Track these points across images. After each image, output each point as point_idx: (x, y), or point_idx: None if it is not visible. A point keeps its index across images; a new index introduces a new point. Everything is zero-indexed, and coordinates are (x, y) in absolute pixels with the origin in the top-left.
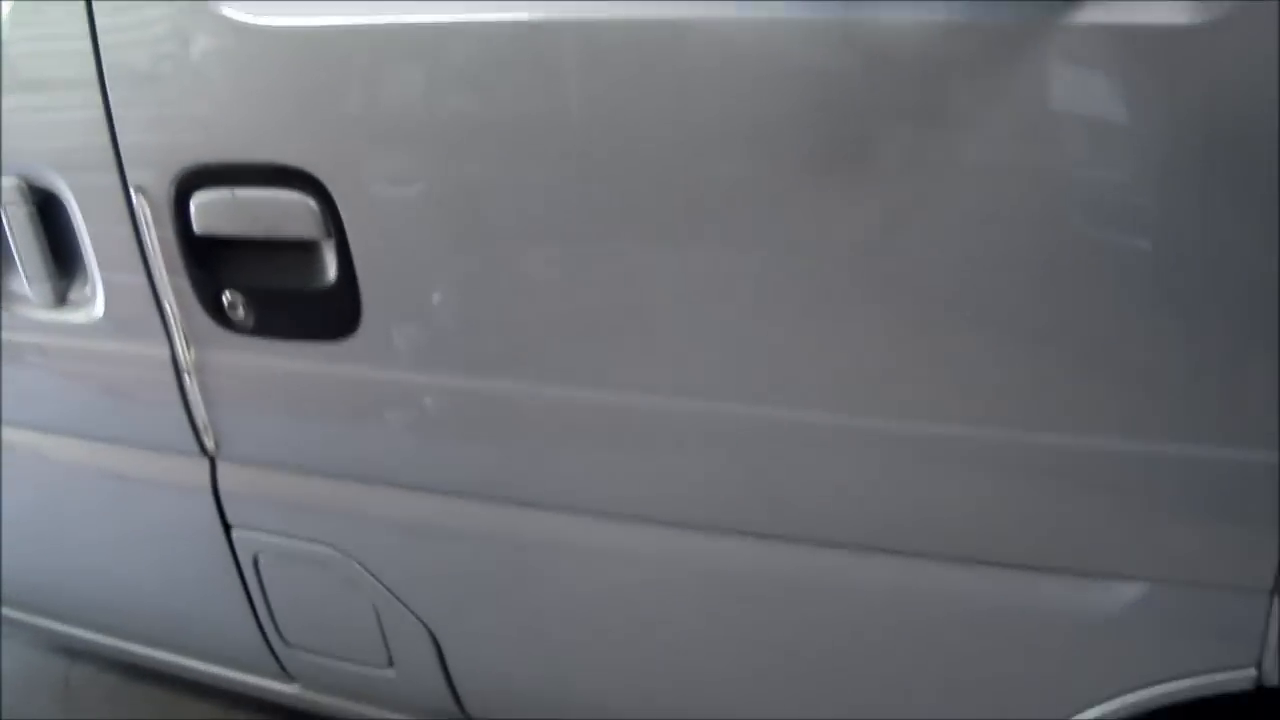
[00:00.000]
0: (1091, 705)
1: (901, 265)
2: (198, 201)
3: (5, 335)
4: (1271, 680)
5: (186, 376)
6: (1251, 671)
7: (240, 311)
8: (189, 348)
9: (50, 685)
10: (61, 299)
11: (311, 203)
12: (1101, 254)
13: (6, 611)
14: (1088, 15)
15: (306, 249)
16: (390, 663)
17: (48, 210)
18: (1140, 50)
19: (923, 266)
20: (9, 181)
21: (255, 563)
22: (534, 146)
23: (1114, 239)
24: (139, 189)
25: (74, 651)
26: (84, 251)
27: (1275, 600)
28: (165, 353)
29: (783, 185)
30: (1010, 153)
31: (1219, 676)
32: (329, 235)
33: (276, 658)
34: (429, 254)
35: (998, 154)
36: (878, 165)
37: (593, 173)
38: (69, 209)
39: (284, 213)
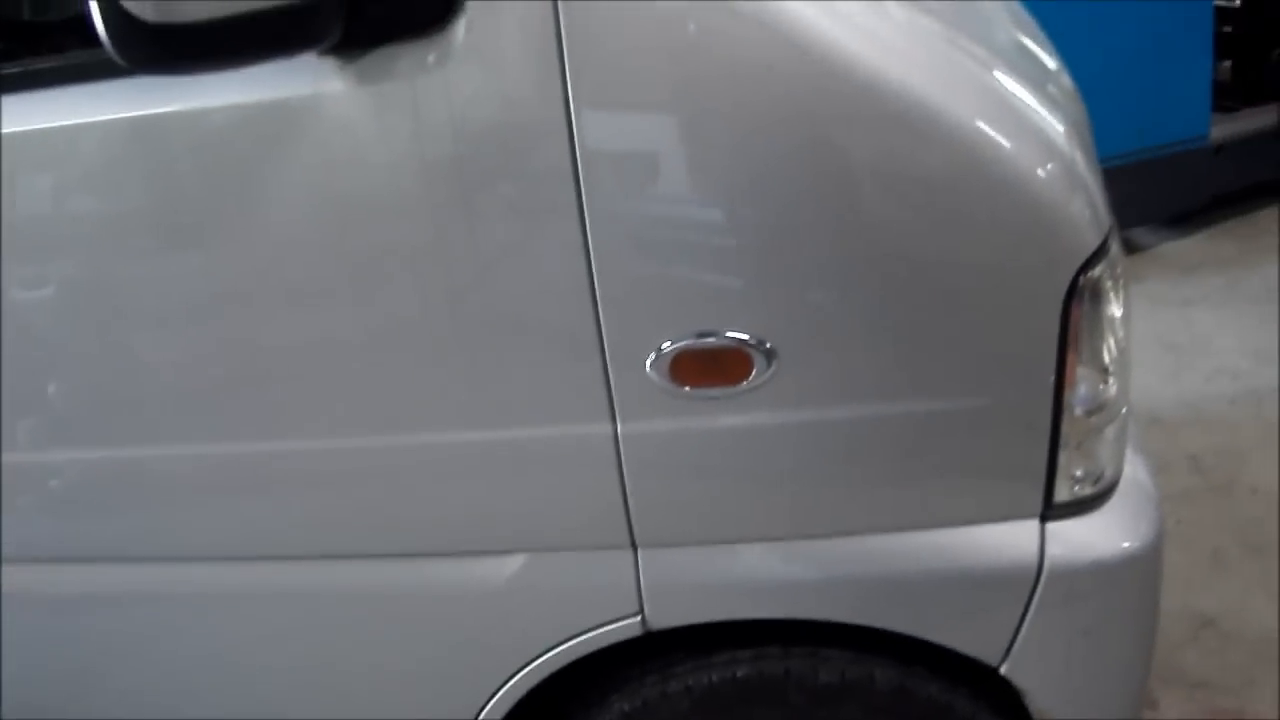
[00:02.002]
0: (521, 668)
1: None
2: None
3: None
4: (656, 624)
5: None
6: (637, 618)
7: None
8: None
9: None
10: None
11: None
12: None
13: None
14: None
15: None
16: None
17: None
18: None
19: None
20: None
21: None
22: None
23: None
24: None
25: None
26: None
27: (638, 554)
28: None
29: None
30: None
31: (611, 628)
32: None
33: None
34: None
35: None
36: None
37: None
38: None
39: None
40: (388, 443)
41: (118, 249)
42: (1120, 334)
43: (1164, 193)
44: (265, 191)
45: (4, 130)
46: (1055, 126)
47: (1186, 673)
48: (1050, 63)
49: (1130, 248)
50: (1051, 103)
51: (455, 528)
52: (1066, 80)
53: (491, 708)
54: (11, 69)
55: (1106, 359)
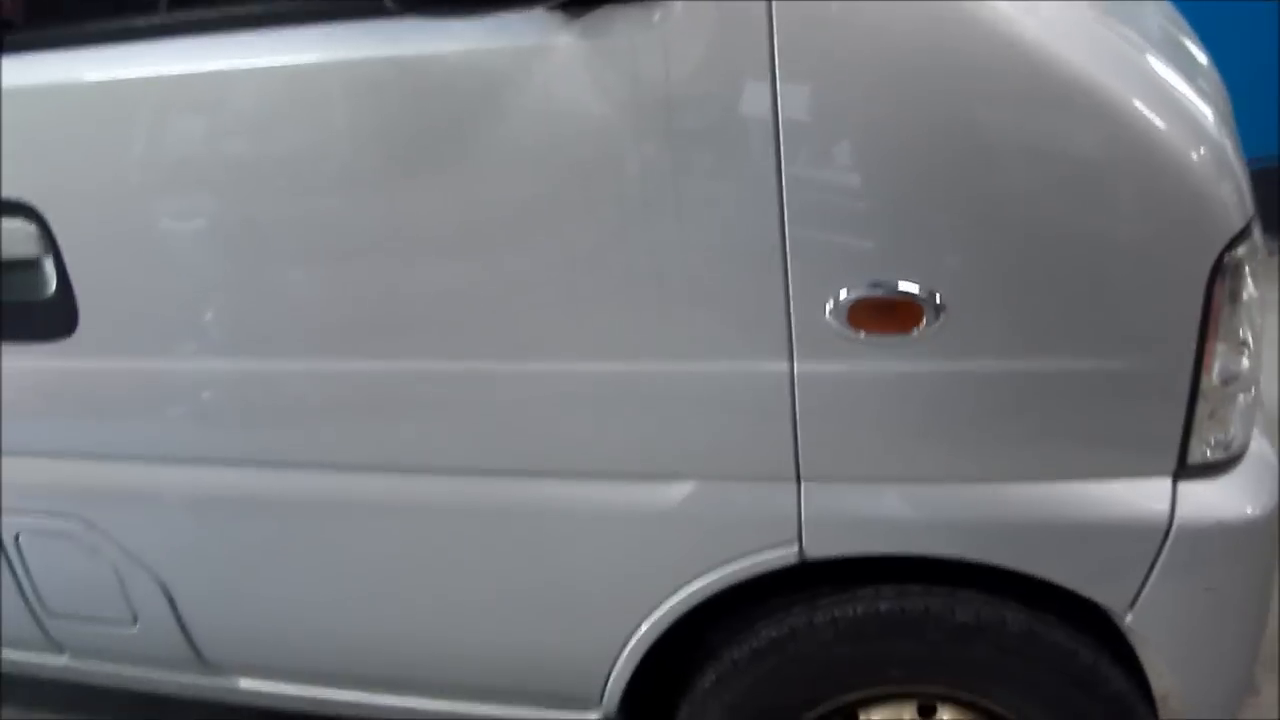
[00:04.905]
0: (674, 591)
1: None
2: None
3: None
4: (812, 554)
5: None
6: (795, 548)
7: None
8: None
9: None
10: None
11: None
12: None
13: None
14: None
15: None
16: (135, 620)
17: None
18: None
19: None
20: None
21: (16, 542)
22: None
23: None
24: None
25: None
26: None
27: (801, 486)
28: None
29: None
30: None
31: (768, 555)
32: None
33: (44, 629)
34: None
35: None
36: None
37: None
38: None
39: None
40: (573, 369)
41: (334, 180)
42: (1256, 313)
43: None
44: (491, 130)
45: (267, 63)
46: (1207, 114)
47: None
48: (1201, 57)
49: None
50: (1202, 93)
51: (630, 452)
52: (1215, 75)
53: (648, 629)
54: (267, 6)
55: (1243, 334)
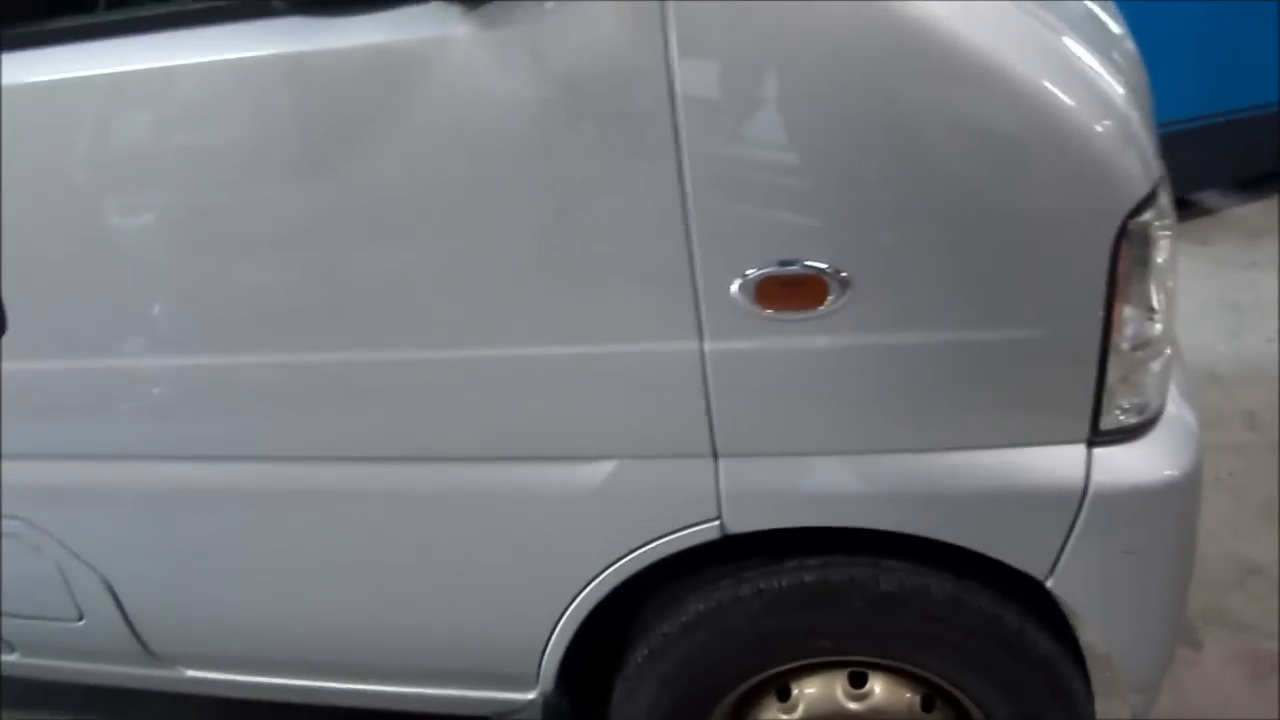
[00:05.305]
0: (602, 570)
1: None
2: None
3: None
4: (733, 528)
5: None
6: (716, 523)
7: None
8: None
9: None
10: None
11: None
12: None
13: None
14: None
15: None
16: (80, 616)
17: None
18: None
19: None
20: None
21: None
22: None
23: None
24: None
25: None
26: None
27: (719, 463)
28: None
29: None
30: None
31: (690, 531)
32: None
33: None
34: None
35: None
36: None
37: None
38: None
39: None
40: (493, 354)
41: (248, 175)
42: (1167, 278)
43: (1233, 157)
44: (395, 124)
45: (161, 64)
46: (1113, 86)
47: (1231, 616)
48: (1115, 28)
49: (1199, 210)
50: (1112, 65)
51: (553, 433)
52: (1129, 45)
53: (577, 607)
54: (169, 9)
55: (1153, 300)
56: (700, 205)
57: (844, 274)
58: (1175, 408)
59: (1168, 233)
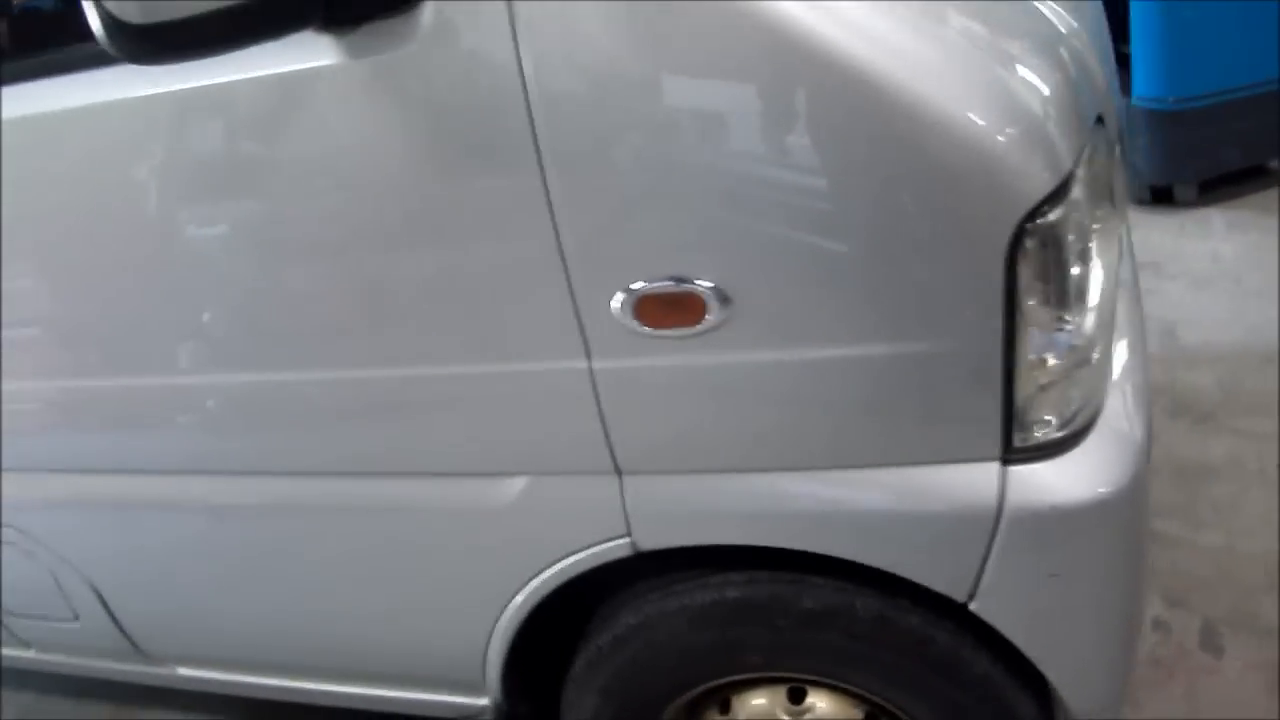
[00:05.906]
0: (525, 583)
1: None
2: None
3: None
4: (644, 545)
5: None
6: (627, 540)
7: None
8: None
9: None
10: None
11: None
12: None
13: None
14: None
15: None
16: (76, 617)
17: None
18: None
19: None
20: None
21: None
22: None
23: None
24: None
25: None
26: None
27: (623, 480)
28: None
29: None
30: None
31: (602, 548)
32: None
33: (8, 626)
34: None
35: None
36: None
37: None
38: None
39: None
40: (407, 373)
41: (135, 212)
42: (1097, 278)
43: None
44: (276, 156)
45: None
46: (1018, 85)
47: (1260, 620)
48: (1060, 24)
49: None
50: (1035, 62)
51: (467, 450)
52: (1077, 42)
53: (507, 619)
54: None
55: (1070, 304)
56: (568, 224)
57: (723, 290)
58: (1117, 418)
59: (1092, 228)
